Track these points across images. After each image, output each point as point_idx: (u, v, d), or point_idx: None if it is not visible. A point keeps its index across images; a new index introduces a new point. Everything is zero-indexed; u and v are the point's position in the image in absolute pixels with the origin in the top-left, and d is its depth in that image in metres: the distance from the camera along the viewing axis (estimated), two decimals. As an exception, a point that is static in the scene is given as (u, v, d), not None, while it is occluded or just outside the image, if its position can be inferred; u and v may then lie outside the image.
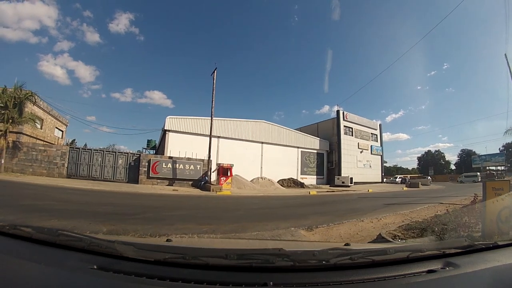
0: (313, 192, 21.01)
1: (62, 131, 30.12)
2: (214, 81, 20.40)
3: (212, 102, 20.38)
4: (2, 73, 69.36)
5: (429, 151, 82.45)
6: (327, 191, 22.42)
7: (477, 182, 34.60)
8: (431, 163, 74.26)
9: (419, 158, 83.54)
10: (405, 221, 6.13)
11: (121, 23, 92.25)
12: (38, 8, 76.72)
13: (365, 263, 1.08)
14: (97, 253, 1.13)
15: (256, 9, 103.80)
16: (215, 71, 20.57)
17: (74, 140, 39.79)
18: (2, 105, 17.03)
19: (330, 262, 1.05)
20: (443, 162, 78.36)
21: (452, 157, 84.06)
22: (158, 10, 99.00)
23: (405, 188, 28.65)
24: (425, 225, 5.24)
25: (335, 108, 37.34)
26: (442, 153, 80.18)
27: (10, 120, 17.12)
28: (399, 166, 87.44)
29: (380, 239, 4.78)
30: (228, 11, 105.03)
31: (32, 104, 20.70)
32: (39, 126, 23.61)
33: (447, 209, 8.34)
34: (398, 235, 4.86)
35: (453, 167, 76.11)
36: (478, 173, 43.62)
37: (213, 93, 20.40)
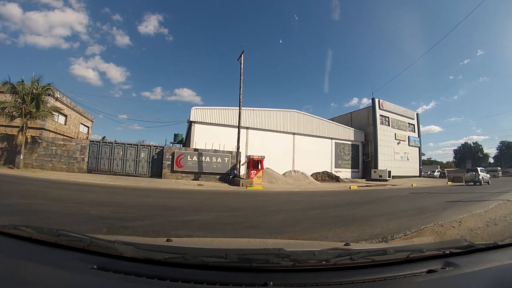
0: (354, 186, 18.76)
1: (88, 127, 29.54)
2: (242, 66, 18.60)
3: (240, 88, 18.52)
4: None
5: (466, 143, 77.41)
6: (367, 186, 20.28)
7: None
8: (468, 156, 68.73)
9: (455, 151, 79.03)
10: (489, 225, 5.38)
11: (150, 24, 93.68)
12: (68, 16, 79.36)
13: (365, 263, 1.06)
14: (97, 253, 1.10)
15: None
16: (242, 55, 18.72)
17: (104, 137, 39.60)
18: (19, 100, 16.25)
19: (330, 262, 1.03)
20: (481, 155, 72.62)
21: (488, 150, 77.56)
22: (186, 10, 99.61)
23: (449, 183, 25.45)
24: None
25: (364, 101, 34.59)
26: (480, 145, 74.52)
27: (28, 115, 16.26)
28: (433, 159, 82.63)
29: None
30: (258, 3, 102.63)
31: (55, 100, 20.27)
32: (60, 121, 22.82)
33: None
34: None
35: (491, 160, 71.73)
36: None
37: (241, 78, 18.54)
